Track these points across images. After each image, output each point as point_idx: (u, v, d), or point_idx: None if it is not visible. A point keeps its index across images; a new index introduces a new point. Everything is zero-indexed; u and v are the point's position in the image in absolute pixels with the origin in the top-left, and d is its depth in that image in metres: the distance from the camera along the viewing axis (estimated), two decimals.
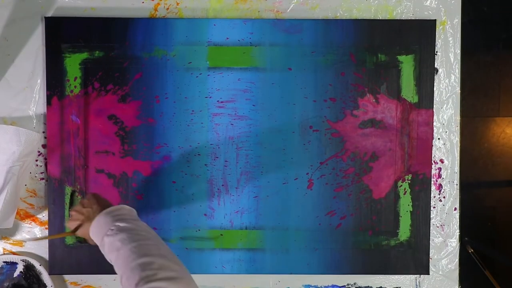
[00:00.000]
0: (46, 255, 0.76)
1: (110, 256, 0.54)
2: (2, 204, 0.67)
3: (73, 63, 0.75)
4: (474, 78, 1.51)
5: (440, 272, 0.77)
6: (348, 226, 0.76)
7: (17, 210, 0.75)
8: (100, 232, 0.55)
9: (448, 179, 0.77)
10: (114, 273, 0.75)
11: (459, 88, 0.77)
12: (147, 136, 0.75)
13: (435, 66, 0.76)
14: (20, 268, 0.73)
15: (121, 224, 0.54)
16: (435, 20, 0.76)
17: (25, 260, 0.74)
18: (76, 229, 0.61)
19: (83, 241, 0.75)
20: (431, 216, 0.77)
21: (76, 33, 0.74)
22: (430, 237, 0.77)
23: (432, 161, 0.77)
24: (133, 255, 0.50)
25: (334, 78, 0.76)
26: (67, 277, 0.76)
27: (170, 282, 0.47)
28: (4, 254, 0.75)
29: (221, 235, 0.76)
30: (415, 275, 0.77)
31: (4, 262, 0.74)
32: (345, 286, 0.77)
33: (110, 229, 0.54)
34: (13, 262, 0.74)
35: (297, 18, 0.76)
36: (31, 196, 0.76)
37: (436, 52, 0.76)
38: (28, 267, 0.73)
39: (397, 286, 0.77)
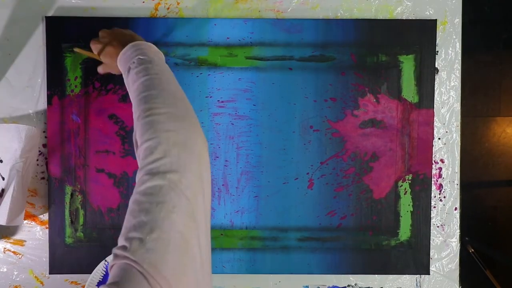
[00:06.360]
0: (46, 255, 0.76)
1: (131, 89, 0.52)
2: (10, 202, 0.67)
3: (73, 63, 0.75)
4: (474, 78, 1.51)
5: (441, 272, 0.77)
6: (349, 226, 0.76)
7: None
8: (126, 64, 0.54)
9: (448, 179, 0.77)
10: None
11: (459, 88, 0.77)
12: None
13: (436, 66, 0.76)
14: None
15: (142, 57, 0.53)
16: (436, 20, 0.76)
17: None
18: (101, 52, 0.63)
19: (86, 238, 0.75)
20: (431, 216, 0.77)
21: (77, 32, 0.74)
22: (431, 237, 0.77)
23: (433, 161, 0.77)
24: (142, 88, 0.47)
25: (334, 78, 0.76)
26: (67, 276, 0.77)
27: (170, 119, 0.42)
28: None
29: (222, 234, 0.76)
30: (416, 275, 0.77)
31: None
32: (345, 287, 0.77)
33: (132, 62, 0.53)
34: None
35: (297, 17, 0.76)
36: (31, 196, 0.76)
37: (437, 52, 0.76)
38: None
39: (398, 287, 0.77)
